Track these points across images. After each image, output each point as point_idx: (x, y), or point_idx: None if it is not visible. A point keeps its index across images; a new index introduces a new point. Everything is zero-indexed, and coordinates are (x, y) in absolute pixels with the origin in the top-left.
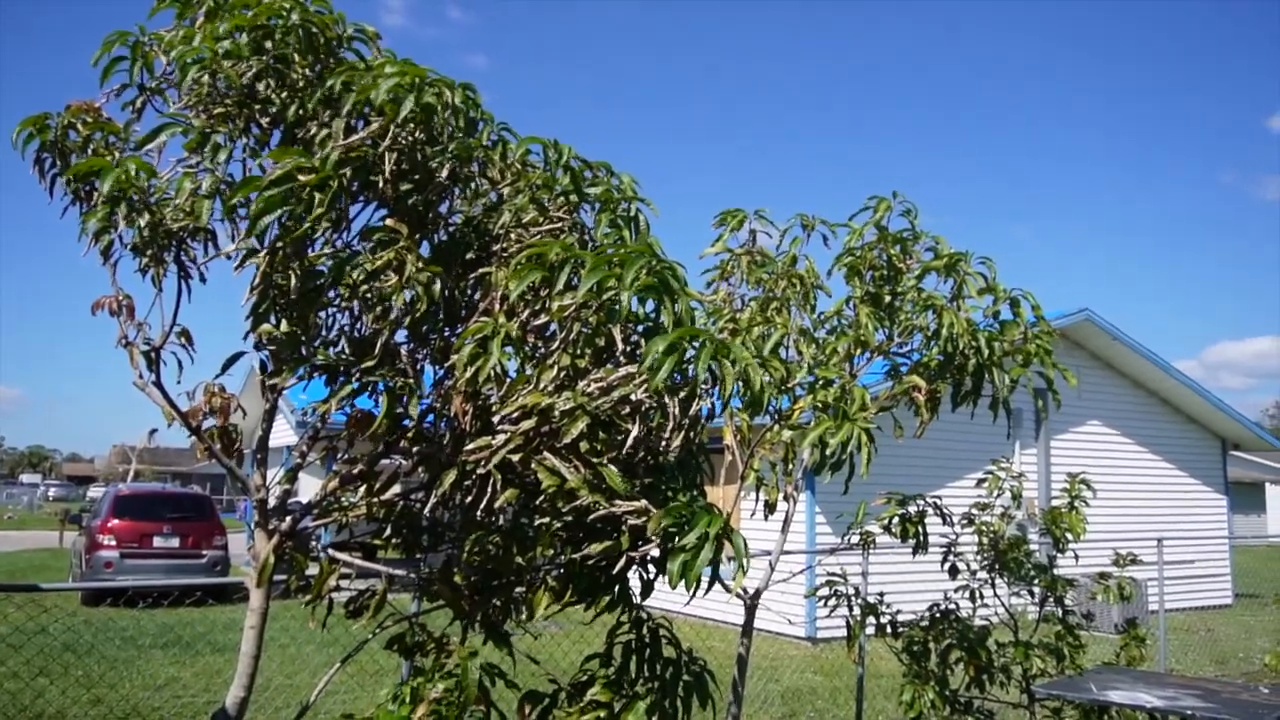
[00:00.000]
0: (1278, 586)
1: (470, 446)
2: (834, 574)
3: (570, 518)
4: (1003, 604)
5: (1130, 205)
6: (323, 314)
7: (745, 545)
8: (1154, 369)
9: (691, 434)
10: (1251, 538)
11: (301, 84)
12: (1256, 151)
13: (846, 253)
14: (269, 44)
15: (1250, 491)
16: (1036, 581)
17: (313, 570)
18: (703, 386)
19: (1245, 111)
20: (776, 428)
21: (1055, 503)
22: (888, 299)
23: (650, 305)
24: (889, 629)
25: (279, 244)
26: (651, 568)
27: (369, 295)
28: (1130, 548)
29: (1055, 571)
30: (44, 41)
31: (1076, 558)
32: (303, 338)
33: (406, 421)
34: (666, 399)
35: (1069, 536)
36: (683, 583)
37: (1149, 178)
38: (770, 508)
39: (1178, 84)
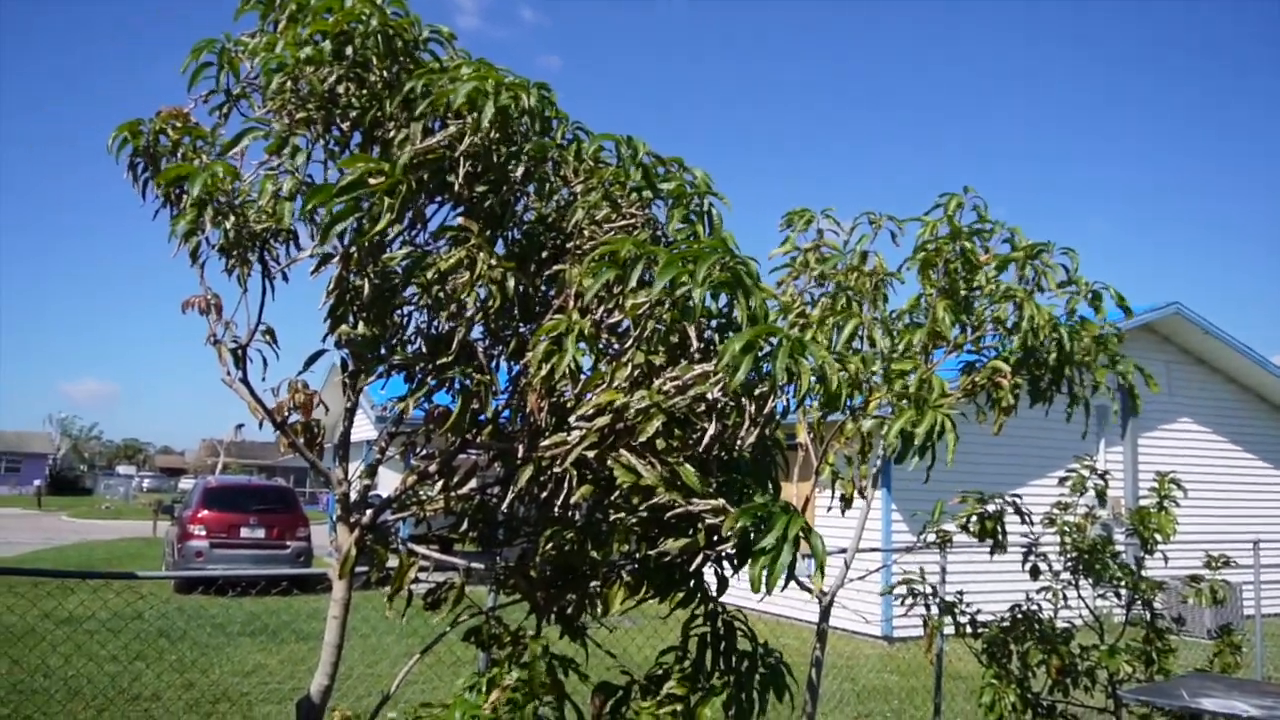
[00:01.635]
0: None
1: (546, 443)
2: (911, 573)
3: (645, 514)
4: (1087, 606)
5: (1219, 193)
6: (400, 313)
7: (824, 546)
8: (1249, 364)
9: (766, 431)
10: None
11: (380, 86)
12: None
13: (919, 247)
14: (349, 49)
15: None
16: (1123, 583)
17: (392, 563)
18: (780, 384)
19: None
20: (852, 421)
21: (1143, 502)
22: (963, 292)
23: (724, 300)
24: (968, 629)
25: (352, 249)
26: (727, 565)
27: (442, 294)
28: (1224, 549)
29: (1143, 573)
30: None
31: (1166, 560)
32: (381, 337)
33: (483, 418)
34: (743, 398)
35: (1158, 537)
36: (768, 589)
37: (1235, 165)
38: (846, 502)
39: (1262, 55)
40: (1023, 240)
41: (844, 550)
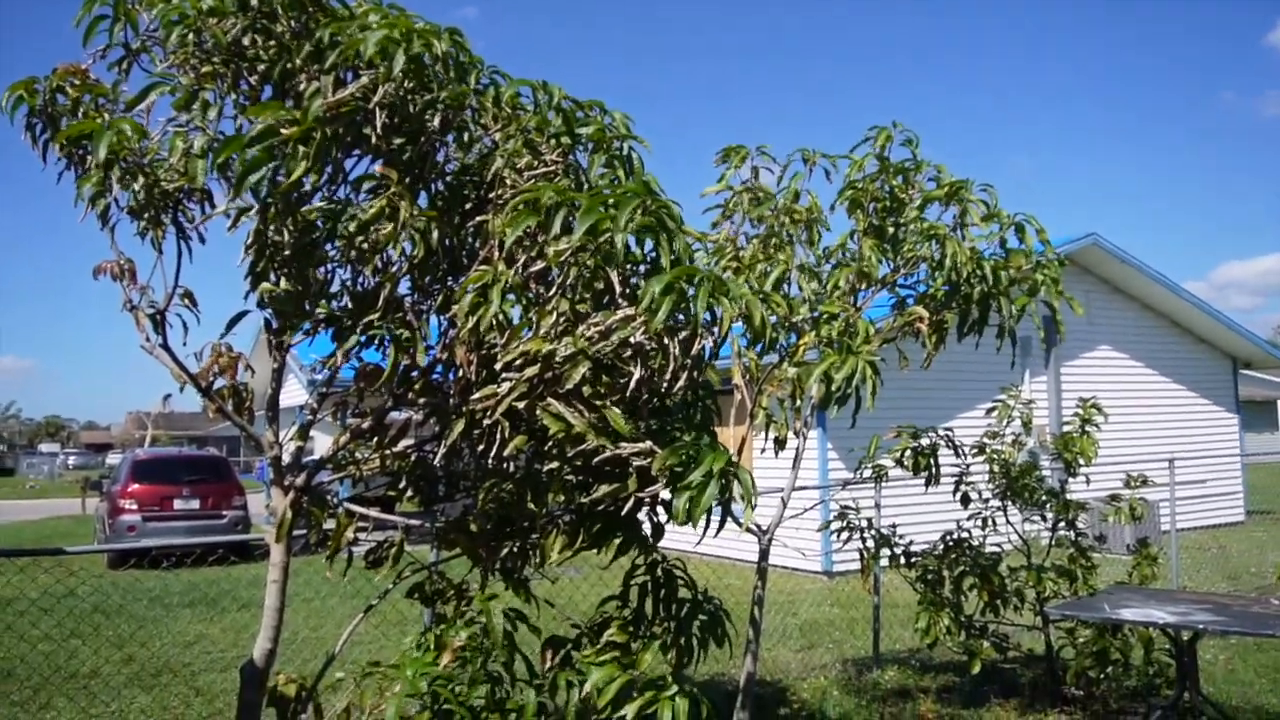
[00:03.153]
0: None
1: (476, 396)
2: (846, 504)
3: (579, 462)
4: (1015, 530)
5: (1131, 130)
6: (323, 269)
7: (752, 480)
8: (1163, 291)
9: (695, 374)
10: (1263, 454)
11: (288, 37)
12: (1255, 68)
13: (848, 186)
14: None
15: (1261, 409)
16: (1048, 507)
17: (330, 524)
18: (703, 326)
19: (1242, 28)
20: (783, 365)
21: (1066, 428)
22: (891, 231)
23: (649, 246)
24: (903, 559)
25: (269, 200)
26: (662, 510)
27: (365, 246)
28: (1142, 469)
29: (1067, 496)
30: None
31: (1088, 481)
32: (304, 293)
33: (414, 374)
34: (666, 340)
35: (1080, 460)
36: (691, 521)
37: (1148, 100)
38: (780, 444)
39: (1173, 3)
40: (947, 177)
41: (782, 489)
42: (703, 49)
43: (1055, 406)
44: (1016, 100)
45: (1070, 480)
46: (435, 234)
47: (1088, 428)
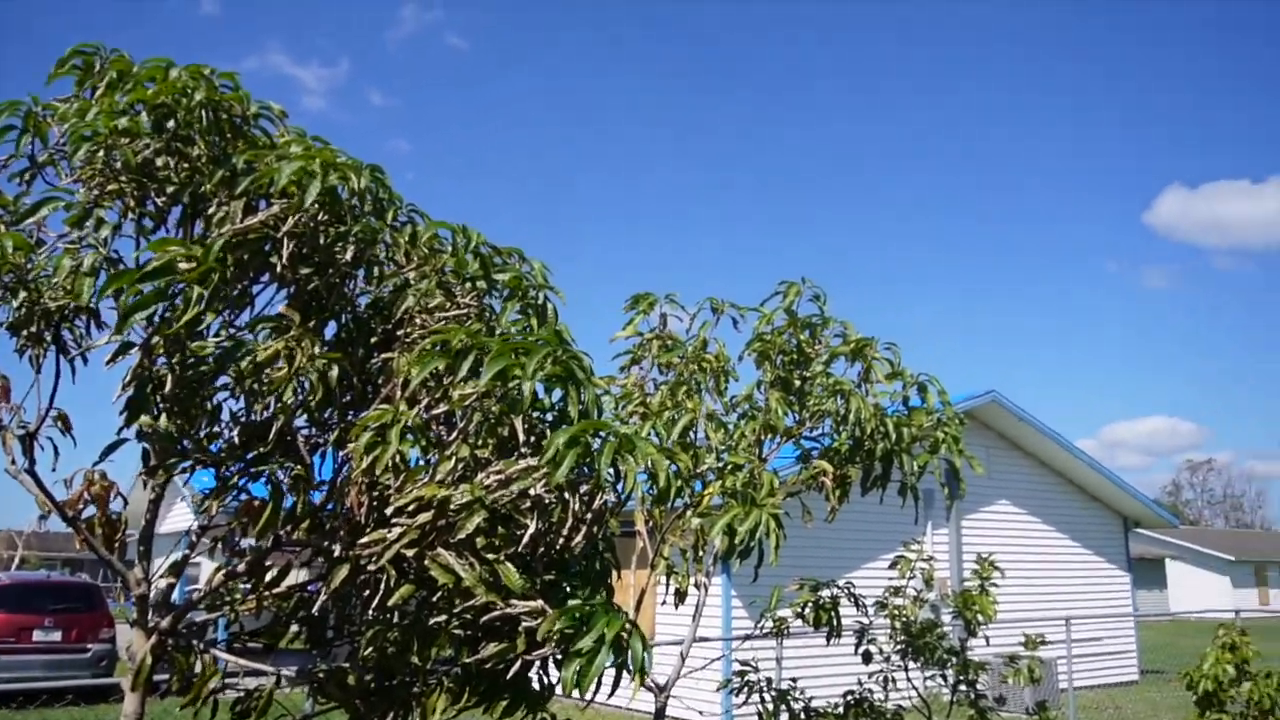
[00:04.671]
0: (1181, 662)
1: (364, 540)
2: (746, 662)
3: (469, 616)
4: (916, 689)
5: (1029, 292)
6: (212, 400)
7: (646, 646)
8: (1058, 449)
9: (595, 529)
10: (1154, 615)
11: (203, 161)
12: (1136, 243)
13: (756, 338)
14: (170, 123)
15: (1151, 568)
16: (949, 665)
17: (199, 668)
18: (607, 480)
19: (1125, 206)
20: (687, 514)
21: (967, 585)
22: (797, 384)
23: (558, 394)
24: (802, 717)
25: (155, 338)
26: (553, 669)
27: (257, 386)
28: (1040, 627)
29: (968, 655)
30: None
31: (987, 640)
32: (185, 430)
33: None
34: (568, 494)
35: (980, 619)
36: (580, 690)
37: (1043, 266)
38: (680, 596)
39: (1063, 182)
40: (853, 334)
41: (681, 641)
42: (605, 209)
43: (956, 559)
44: (920, 256)
45: (970, 639)
46: (335, 373)
47: (987, 586)
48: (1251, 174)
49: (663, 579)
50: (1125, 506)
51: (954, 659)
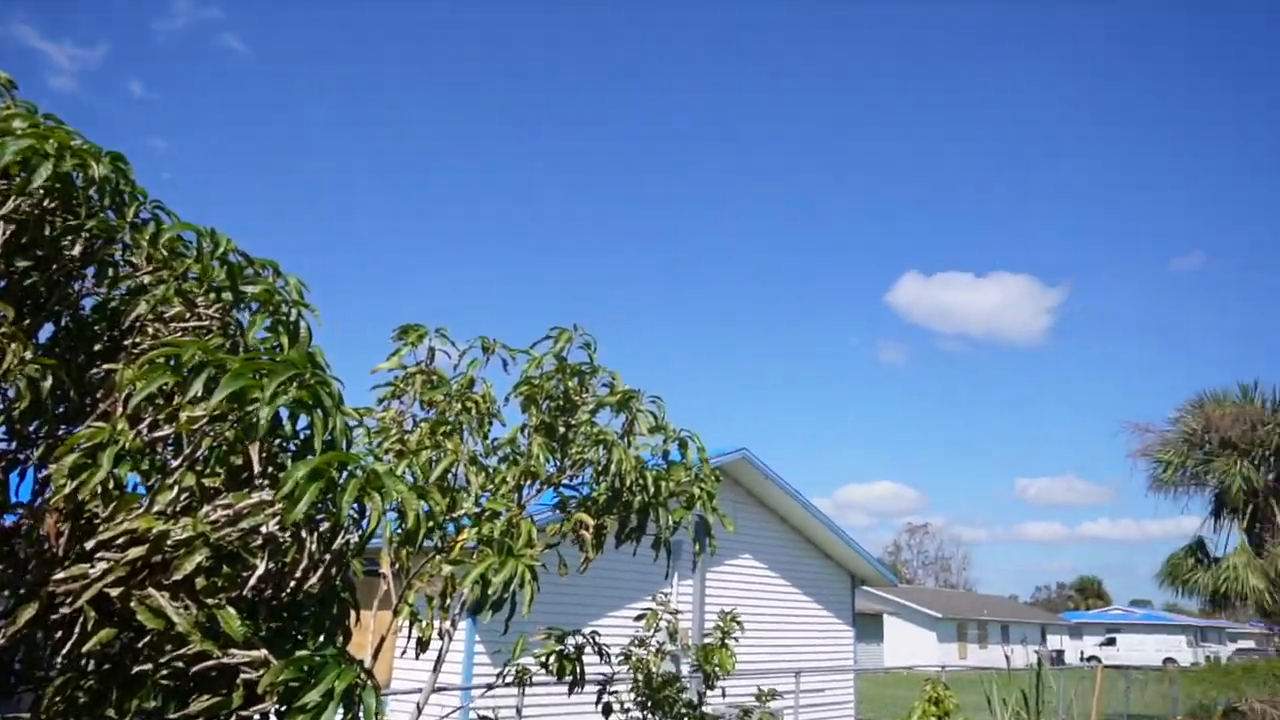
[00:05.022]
0: (893, 712)
1: (61, 575)
2: (484, 714)
3: (180, 664)
4: None
5: (780, 356)
6: None
7: (379, 703)
8: (798, 507)
9: (334, 571)
10: (871, 669)
11: None
12: (876, 320)
13: (524, 381)
14: None
15: (871, 622)
16: (686, 718)
17: None
18: (350, 518)
19: (871, 284)
20: (437, 559)
21: (708, 640)
22: (562, 430)
23: (304, 422)
24: None
25: None
26: None
27: None
28: (773, 679)
29: (705, 708)
30: None
31: (724, 692)
32: None
33: None
34: (304, 532)
35: (719, 672)
36: None
37: (794, 337)
38: (423, 645)
39: (812, 260)
40: (621, 385)
41: (419, 689)
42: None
43: (699, 610)
44: (683, 318)
45: (708, 692)
46: (48, 382)
47: (727, 640)
48: (975, 268)
49: (405, 624)
50: (854, 565)
51: (690, 712)
